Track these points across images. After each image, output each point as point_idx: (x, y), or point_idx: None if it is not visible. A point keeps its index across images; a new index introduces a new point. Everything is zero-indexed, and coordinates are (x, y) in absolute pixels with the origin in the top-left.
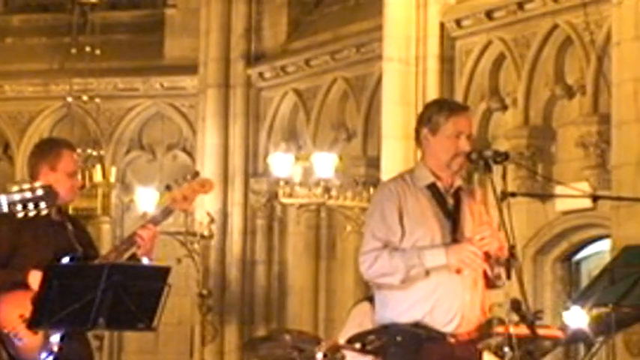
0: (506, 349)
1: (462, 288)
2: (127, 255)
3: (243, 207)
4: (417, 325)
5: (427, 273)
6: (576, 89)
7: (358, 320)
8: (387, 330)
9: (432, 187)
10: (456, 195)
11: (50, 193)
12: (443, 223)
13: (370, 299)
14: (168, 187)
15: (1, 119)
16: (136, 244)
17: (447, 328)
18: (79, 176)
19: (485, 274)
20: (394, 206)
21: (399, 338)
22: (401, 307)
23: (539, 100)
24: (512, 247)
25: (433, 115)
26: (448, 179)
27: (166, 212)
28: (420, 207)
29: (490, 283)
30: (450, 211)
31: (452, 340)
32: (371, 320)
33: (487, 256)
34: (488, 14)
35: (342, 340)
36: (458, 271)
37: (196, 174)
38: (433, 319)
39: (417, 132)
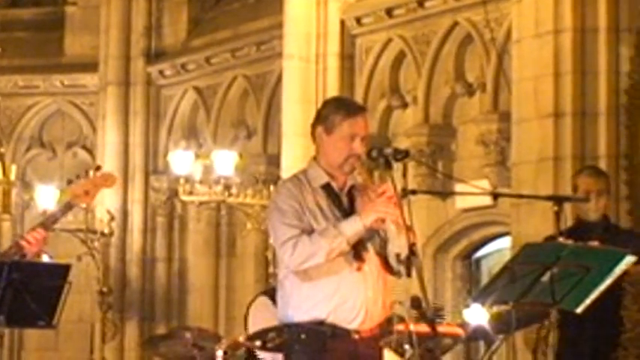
0: (406, 346)
1: (364, 285)
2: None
3: (144, 204)
4: (321, 323)
5: (349, 245)
6: (476, 87)
7: (263, 315)
8: (289, 328)
9: (327, 187)
10: (350, 194)
11: None
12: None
13: (266, 293)
14: (69, 182)
15: None
16: (24, 248)
17: (352, 325)
18: None
19: (385, 264)
20: (296, 203)
21: (303, 336)
22: (304, 307)
23: (440, 98)
24: (412, 245)
25: (330, 114)
26: (342, 178)
27: (67, 208)
28: (317, 206)
29: (390, 270)
30: (346, 210)
31: (356, 336)
32: (273, 314)
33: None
34: (389, 12)
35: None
36: (359, 269)
37: (98, 168)
38: (337, 316)
39: (313, 128)
